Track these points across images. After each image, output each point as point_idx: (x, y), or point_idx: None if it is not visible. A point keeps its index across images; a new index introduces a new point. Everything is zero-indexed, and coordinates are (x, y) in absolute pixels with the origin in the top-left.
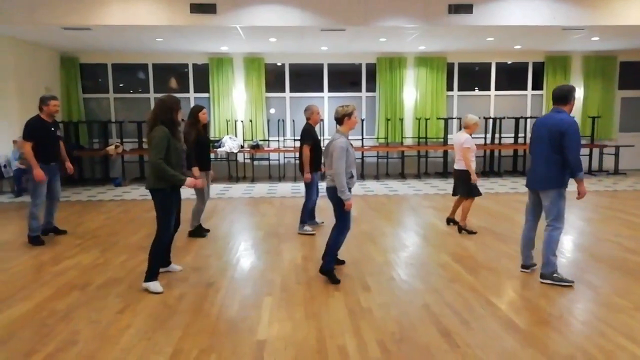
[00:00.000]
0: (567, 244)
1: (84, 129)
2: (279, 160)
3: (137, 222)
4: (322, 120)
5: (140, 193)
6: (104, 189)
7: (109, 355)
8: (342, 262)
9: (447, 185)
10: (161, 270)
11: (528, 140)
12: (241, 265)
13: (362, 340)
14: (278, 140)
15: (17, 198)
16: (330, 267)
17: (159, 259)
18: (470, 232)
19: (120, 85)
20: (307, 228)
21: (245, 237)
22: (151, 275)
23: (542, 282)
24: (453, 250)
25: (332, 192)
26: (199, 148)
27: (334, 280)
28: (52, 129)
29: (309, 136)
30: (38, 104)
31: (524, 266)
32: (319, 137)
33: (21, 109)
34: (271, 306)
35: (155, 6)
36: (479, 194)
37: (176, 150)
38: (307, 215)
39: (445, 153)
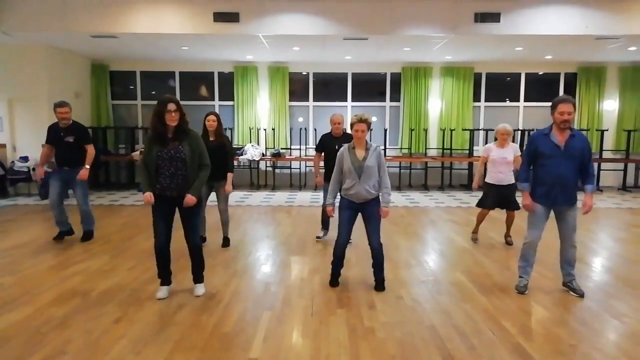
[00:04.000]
0: (594, 266)
1: (111, 134)
2: (299, 168)
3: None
4: (344, 130)
5: None
6: (128, 193)
7: None
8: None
9: (471, 198)
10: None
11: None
12: (247, 276)
13: None
14: (299, 149)
15: (43, 201)
16: (333, 270)
17: (157, 262)
18: (474, 240)
19: (152, 92)
20: (320, 234)
21: (256, 247)
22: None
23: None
24: (469, 269)
25: None
26: None
27: (331, 284)
28: (62, 134)
29: (319, 144)
30: None
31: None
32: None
33: (52, 113)
34: (269, 321)
35: (179, 15)
36: (483, 205)
37: (150, 156)
38: (324, 222)
39: (470, 165)
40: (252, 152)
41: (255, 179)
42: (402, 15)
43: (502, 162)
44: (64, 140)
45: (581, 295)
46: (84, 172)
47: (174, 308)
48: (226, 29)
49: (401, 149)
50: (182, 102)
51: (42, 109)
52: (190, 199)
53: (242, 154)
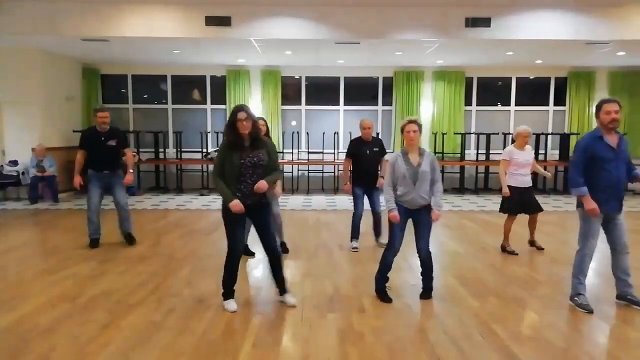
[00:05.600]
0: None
1: None
2: (292, 172)
3: (143, 232)
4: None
5: (152, 203)
6: None
7: None
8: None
9: (462, 202)
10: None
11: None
12: (238, 281)
13: None
14: (292, 153)
15: (32, 205)
16: (379, 286)
17: (227, 275)
18: (511, 253)
19: (145, 96)
20: (352, 244)
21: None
22: (223, 293)
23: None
24: (461, 273)
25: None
26: None
27: (383, 299)
28: (103, 138)
29: (349, 149)
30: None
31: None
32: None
33: (43, 117)
34: (259, 327)
35: (171, 18)
36: (510, 211)
37: (231, 164)
38: (353, 230)
39: (462, 169)
40: None
41: None
42: (393, 20)
43: (526, 164)
44: (106, 145)
45: None
46: (130, 177)
47: (163, 314)
48: (218, 32)
49: (394, 152)
50: (174, 106)
51: (32, 112)
52: (262, 184)
53: None
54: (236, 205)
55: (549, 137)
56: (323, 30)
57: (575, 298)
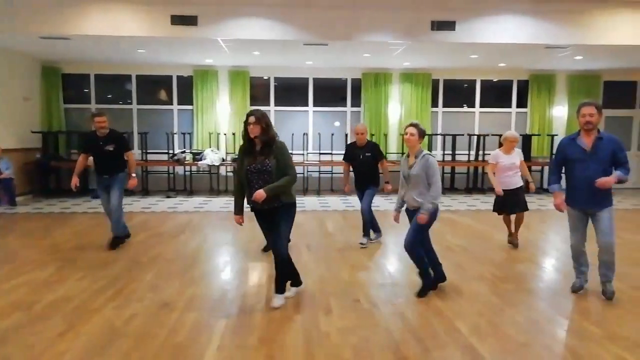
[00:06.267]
0: (544, 265)
1: (63, 139)
2: None
3: (105, 237)
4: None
5: None
6: (80, 201)
7: None
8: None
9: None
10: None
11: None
12: (203, 284)
13: None
14: None
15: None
16: (425, 283)
17: (283, 272)
18: (515, 245)
19: (109, 96)
20: (360, 240)
21: (214, 254)
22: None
23: None
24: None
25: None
26: None
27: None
28: (101, 143)
29: (345, 154)
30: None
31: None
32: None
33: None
34: (224, 330)
35: (136, 17)
36: (498, 211)
37: (240, 170)
38: (363, 227)
39: None
40: (211, 157)
41: (215, 184)
42: (361, 22)
43: (511, 167)
44: (104, 149)
45: (609, 297)
46: (134, 182)
47: (125, 319)
48: (184, 32)
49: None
50: (139, 107)
51: None
52: (259, 194)
53: (201, 159)
54: (236, 219)
55: None
56: (291, 31)
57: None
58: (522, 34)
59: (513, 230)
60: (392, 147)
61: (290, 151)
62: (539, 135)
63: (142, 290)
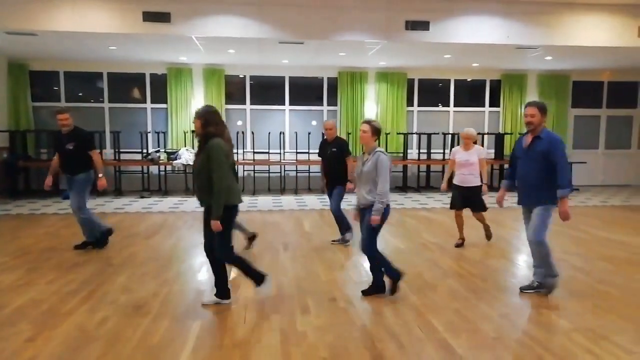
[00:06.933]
0: (517, 262)
1: (32, 138)
2: (237, 173)
3: (77, 238)
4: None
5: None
6: (50, 201)
7: None
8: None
9: (405, 199)
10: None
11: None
12: (178, 285)
13: None
14: (237, 153)
15: None
16: (394, 277)
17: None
18: (460, 245)
19: (79, 94)
20: (335, 239)
21: (189, 255)
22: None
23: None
24: (401, 268)
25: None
26: None
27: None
28: (64, 141)
29: (319, 151)
30: None
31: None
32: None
33: None
34: (200, 331)
35: (106, 13)
36: (457, 207)
37: None
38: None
39: (405, 168)
40: (186, 156)
41: (191, 184)
42: (336, 21)
43: (465, 164)
44: (65, 148)
45: (545, 292)
46: (102, 182)
47: (97, 322)
48: (157, 29)
49: None
50: (111, 105)
51: None
52: (213, 224)
53: (176, 159)
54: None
55: (485, 136)
56: (266, 30)
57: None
58: (494, 35)
59: (479, 234)
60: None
61: (267, 150)
62: (511, 134)
63: (115, 292)
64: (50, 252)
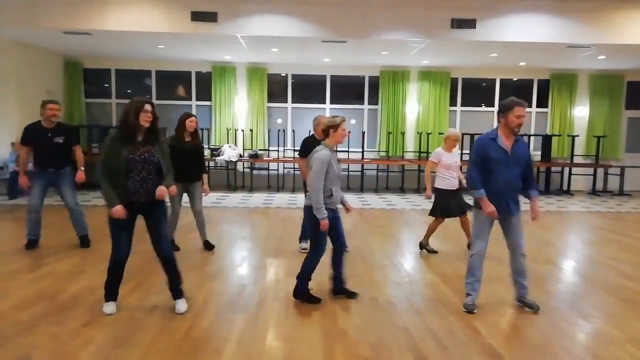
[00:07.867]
0: (563, 267)
1: (84, 133)
2: (277, 170)
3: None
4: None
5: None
6: (100, 194)
7: None
8: (353, 295)
9: None
10: None
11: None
12: (221, 278)
13: None
14: (277, 150)
15: (11, 200)
16: (301, 290)
17: (113, 278)
18: (431, 251)
19: (128, 91)
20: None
21: (231, 249)
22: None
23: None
24: (442, 270)
25: (308, 211)
26: (177, 157)
27: (310, 301)
28: (50, 134)
29: (304, 149)
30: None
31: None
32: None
33: (21, 112)
34: (244, 324)
35: (156, 13)
36: (442, 215)
37: (118, 158)
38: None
39: None
40: (229, 153)
41: (232, 180)
42: (379, 20)
43: (453, 165)
44: (53, 141)
45: (536, 310)
46: (81, 175)
47: (146, 311)
48: (204, 28)
49: (379, 151)
50: (158, 102)
51: (9, 107)
52: (162, 190)
53: (219, 155)
54: (118, 211)
55: (532, 138)
56: (309, 28)
57: (465, 300)
58: (544, 33)
59: (468, 238)
60: (410, 145)
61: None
62: (559, 135)
63: (161, 284)
64: (100, 242)
